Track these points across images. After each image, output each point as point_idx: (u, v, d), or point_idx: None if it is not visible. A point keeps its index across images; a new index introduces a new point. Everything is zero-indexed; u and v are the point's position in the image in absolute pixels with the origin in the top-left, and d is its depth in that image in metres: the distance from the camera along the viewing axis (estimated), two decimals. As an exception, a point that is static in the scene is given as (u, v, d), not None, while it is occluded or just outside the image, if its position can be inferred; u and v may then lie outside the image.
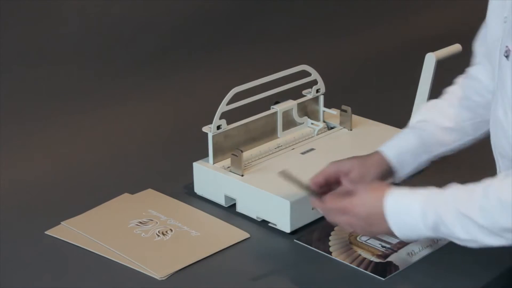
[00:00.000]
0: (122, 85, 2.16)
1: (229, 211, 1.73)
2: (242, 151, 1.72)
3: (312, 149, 1.84)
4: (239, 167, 1.72)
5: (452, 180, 1.74)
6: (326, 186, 1.54)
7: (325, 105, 1.94)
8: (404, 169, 1.58)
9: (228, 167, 1.75)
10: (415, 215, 1.35)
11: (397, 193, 1.38)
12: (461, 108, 1.60)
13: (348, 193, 1.43)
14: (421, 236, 1.38)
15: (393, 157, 1.57)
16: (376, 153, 1.58)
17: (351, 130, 1.92)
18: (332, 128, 1.94)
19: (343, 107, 1.92)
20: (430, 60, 1.85)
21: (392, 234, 1.39)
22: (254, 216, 1.70)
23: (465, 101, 1.60)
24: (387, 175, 1.57)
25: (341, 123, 1.93)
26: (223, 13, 2.39)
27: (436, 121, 1.61)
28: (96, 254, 1.59)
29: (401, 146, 1.58)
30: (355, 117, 1.95)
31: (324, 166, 1.75)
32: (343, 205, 1.42)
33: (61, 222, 1.69)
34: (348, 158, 1.58)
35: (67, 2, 2.07)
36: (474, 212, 1.30)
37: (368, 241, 1.62)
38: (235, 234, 1.65)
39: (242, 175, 1.72)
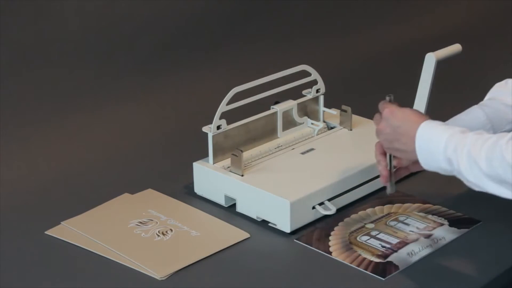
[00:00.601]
0: (122, 85, 2.16)
1: (229, 211, 1.73)
2: (242, 151, 1.72)
3: (312, 149, 1.84)
4: (239, 167, 1.72)
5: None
6: None
7: (325, 105, 1.94)
8: None
9: (228, 167, 1.75)
10: (439, 145, 1.44)
11: (432, 123, 1.47)
12: None
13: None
14: (438, 165, 1.45)
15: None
16: None
17: (351, 130, 1.92)
18: (332, 128, 1.93)
19: (343, 107, 1.92)
20: (430, 60, 1.84)
21: (411, 157, 1.50)
22: (254, 216, 1.70)
23: None
24: None
25: (341, 123, 1.93)
26: (223, 13, 2.39)
27: (503, 99, 1.64)
28: (96, 254, 1.59)
29: (468, 121, 1.63)
30: (355, 117, 1.95)
31: (324, 166, 1.75)
32: (388, 110, 1.53)
33: (61, 222, 1.69)
34: None
35: (67, 2, 2.06)
36: (480, 159, 1.39)
37: (368, 241, 1.62)
38: (235, 234, 1.65)
39: (242, 175, 1.72)
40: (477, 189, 1.43)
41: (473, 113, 1.65)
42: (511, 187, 1.38)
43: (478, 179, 1.41)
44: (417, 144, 1.47)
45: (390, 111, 1.53)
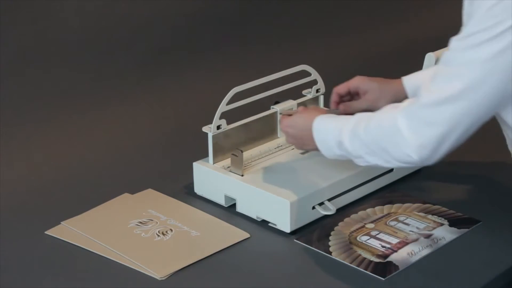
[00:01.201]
0: (122, 85, 2.16)
1: (229, 211, 1.73)
2: (242, 151, 1.72)
3: (312, 149, 1.84)
4: (239, 167, 1.72)
5: (454, 176, 1.74)
6: (349, 96, 1.74)
7: (325, 105, 1.93)
8: None
9: (228, 167, 1.75)
10: (330, 134, 1.56)
11: (322, 117, 1.59)
12: None
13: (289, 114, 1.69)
14: (334, 152, 1.57)
15: (410, 90, 1.69)
16: (399, 81, 1.71)
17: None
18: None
19: None
20: (430, 60, 1.84)
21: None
22: (254, 216, 1.70)
23: None
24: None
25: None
26: (223, 13, 2.39)
27: None
28: (96, 254, 1.59)
29: (421, 80, 1.67)
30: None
31: (324, 166, 1.75)
32: (283, 125, 1.67)
33: (61, 222, 1.69)
34: (373, 79, 1.74)
35: (67, 2, 2.06)
36: (360, 130, 1.50)
37: (368, 241, 1.62)
38: (235, 234, 1.65)
39: (242, 175, 1.72)
40: (363, 163, 1.53)
41: (430, 72, 1.69)
42: (387, 155, 1.47)
43: (359, 151, 1.50)
44: (316, 140, 1.59)
45: (285, 126, 1.66)
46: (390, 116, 1.46)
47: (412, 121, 1.42)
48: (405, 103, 1.48)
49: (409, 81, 1.71)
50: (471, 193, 1.78)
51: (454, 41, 1.41)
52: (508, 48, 1.35)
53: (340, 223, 1.68)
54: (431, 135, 1.41)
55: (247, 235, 1.65)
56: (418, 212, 1.71)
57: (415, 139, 1.42)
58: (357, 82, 1.73)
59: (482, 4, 1.36)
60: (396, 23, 2.76)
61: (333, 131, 1.55)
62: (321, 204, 1.68)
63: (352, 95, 1.74)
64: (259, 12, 2.47)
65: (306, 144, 1.63)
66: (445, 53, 1.42)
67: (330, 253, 1.59)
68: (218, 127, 1.75)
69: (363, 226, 1.67)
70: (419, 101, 1.42)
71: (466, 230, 1.65)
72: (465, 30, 1.39)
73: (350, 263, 1.56)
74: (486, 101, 1.39)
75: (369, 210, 1.72)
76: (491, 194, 1.75)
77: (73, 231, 1.67)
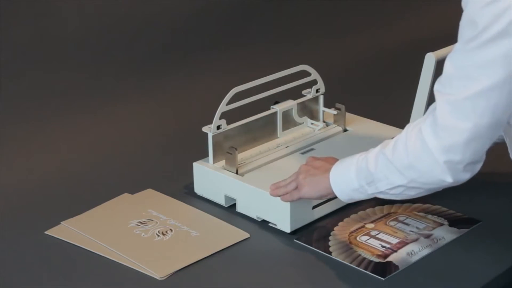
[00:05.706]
0: (122, 85, 2.16)
1: (229, 211, 1.73)
2: (236, 149, 1.72)
3: (312, 149, 1.84)
4: (233, 165, 1.72)
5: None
6: None
7: (325, 105, 1.94)
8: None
9: (228, 167, 1.75)
10: (348, 167, 1.55)
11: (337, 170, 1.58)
12: None
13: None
14: (353, 188, 1.54)
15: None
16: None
17: (345, 128, 1.92)
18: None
19: (337, 105, 1.91)
20: (430, 60, 1.84)
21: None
22: (254, 216, 1.70)
23: None
24: None
25: (335, 122, 1.92)
26: (223, 13, 2.39)
27: None
28: (96, 254, 1.59)
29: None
30: (355, 117, 1.95)
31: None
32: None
33: (61, 222, 1.69)
34: None
35: (67, 2, 2.07)
36: (386, 150, 1.47)
37: (368, 241, 1.62)
38: (235, 234, 1.65)
39: (237, 173, 1.72)
40: (384, 187, 1.50)
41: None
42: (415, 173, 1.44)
43: (385, 170, 1.47)
44: (331, 176, 1.57)
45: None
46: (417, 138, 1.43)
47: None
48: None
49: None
50: (471, 193, 1.78)
51: (455, 51, 1.40)
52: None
53: (340, 223, 1.68)
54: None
55: (247, 235, 1.65)
56: (418, 212, 1.71)
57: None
58: None
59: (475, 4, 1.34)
60: (396, 23, 2.76)
61: (350, 165, 1.54)
62: (321, 204, 1.68)
63: None
64: (259, 12, 2.47)
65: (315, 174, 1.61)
66: (449, 60, 1.41)
67: (330, 253, 1.59)
68: (218, 127, 1.75)
69: (363, 226, 1.67)
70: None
71: (466, 230, 1.65)
72: (464, 36, 1.37)
73: (350, 263, 1.56)
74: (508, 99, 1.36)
75: (369, 210, 1.72)
76: (491, 194, 1.75)
77: (73, 231, 1.67)
